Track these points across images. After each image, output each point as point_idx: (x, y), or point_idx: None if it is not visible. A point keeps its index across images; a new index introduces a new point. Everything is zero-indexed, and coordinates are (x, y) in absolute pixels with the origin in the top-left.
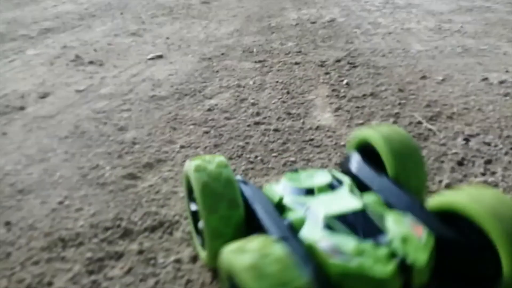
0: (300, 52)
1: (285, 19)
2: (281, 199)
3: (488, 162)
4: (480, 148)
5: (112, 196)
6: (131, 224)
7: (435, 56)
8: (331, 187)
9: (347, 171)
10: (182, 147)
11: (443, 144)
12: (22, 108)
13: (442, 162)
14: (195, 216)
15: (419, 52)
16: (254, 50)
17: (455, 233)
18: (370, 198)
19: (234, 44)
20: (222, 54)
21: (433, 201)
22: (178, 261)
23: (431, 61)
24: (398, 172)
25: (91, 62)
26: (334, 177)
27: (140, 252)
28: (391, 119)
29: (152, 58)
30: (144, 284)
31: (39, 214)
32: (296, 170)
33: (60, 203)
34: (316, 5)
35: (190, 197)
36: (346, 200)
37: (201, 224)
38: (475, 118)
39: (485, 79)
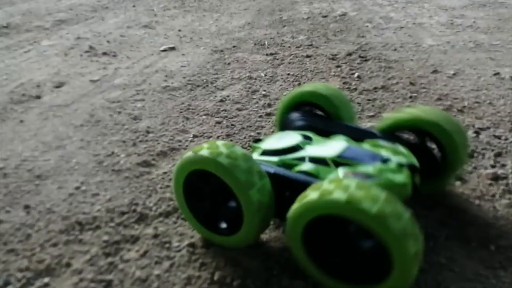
0: (311, 45)
1: (296, 13)
2: (279, 161)
3: (498, 154)
4: (490, 141)
5: (127, 182)
6: (146, 209)
7: (446, 50)
8: (308, 139)
9: (296, 128)
10: (195, 136)
11: None
12: (38, 97)
13: None
14: (198, 209)
15: (430, 46)
16: (266, 43)
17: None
18: (340, 138)
19: (246, 37)
20: (234, 46)
21: (380, 125)
22: (192, 245)
23: (443, 55)
24: (335, 113)
25: (104, 53)
26: (300, 134)
27: (155, 236)
28: None
29: (164, 50)
30: (159, 267)
31: (57, 199)
32: (260, 140)
33: (77, 188)
34: None
35: (191, 193)
36: (331, 144)
37: (233, 204)
38: (485, 112)
39: (497, 74)
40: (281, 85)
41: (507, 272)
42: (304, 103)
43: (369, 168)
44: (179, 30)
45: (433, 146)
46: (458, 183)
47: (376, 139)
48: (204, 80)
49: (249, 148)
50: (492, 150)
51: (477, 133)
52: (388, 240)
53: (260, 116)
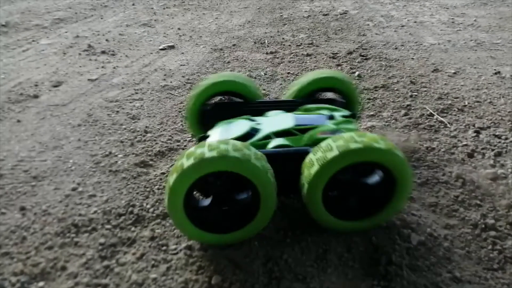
0: (311, 44)
1: (297, 11)
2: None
3: (498, 154)
4: (490, 141)
5: (124, 183)
6: (143, 211)
7: (447, 49)
8: (253, 121)
9: (232, 116)
10: (193, 136)
11: (454, 136)
12: (35, 96)
13: (453, 153)
14: (203, 214)
15: (431, 45)
16: (266, 41)
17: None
18: (278, 112)
19: (246, 35)
20: (234, 45)
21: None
22: (189, 247)
23: (444, 54)
24: (251, 95)
25: (103, 52)
26: (243, 118)
27: (152, 238)
28: (403, 111)
29: (163, 49)
30: (156, 270)
31: (53, 200)
32: (206, 136)
33: (74, 189)
34: None
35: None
36: (278, 118)
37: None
38: (486, 111)
39: (497, 72)
40: (281, 84)
41: (506, 274)
42: (218, 94)
43: (327, 126)
44: (179, 29)
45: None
46: (457, 183)
47: (302, 105)
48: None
49: None
50: (492, 150)
51: (477, 132)
52: (396, 164)
53: None
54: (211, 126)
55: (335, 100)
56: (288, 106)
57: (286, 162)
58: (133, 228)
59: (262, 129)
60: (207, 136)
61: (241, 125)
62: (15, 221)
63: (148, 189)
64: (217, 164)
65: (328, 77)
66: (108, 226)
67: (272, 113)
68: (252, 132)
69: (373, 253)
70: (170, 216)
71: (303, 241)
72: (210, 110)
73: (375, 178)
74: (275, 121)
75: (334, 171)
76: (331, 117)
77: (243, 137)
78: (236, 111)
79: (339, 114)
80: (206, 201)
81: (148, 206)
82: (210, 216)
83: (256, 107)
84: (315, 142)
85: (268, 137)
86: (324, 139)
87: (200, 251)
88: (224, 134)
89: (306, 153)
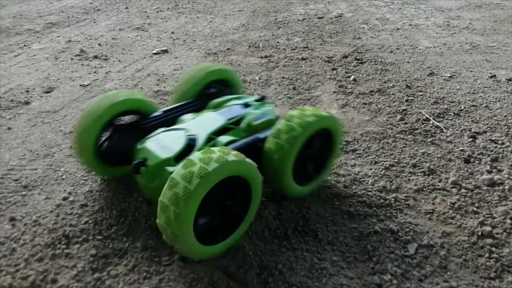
0: (306, 47)
1: (291, 14)
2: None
3: (495, 159)
4: (486, 146)
5: (117, 192)
6: (135, 221)
7: (443, 52)
8: (182, 129)
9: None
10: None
11: (450, 142)
12: (26, 103)
13: (449, 159)
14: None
15: (427, 48)
16: (260, 45)
17: None
18: (193, 115)
19: (240, 39)
20: (228, 49)
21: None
22: (183, 259)
23: (439, 57)
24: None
25: (96, 57)
26: (170, 128)
27: (145, 249)
28: (398, 116)
29: (157, 53)
30: (148, 282)
31: (44, 210)
32: (142, 161)
33: (65, 199)
34: (323, 0)
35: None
36: (205, 119)
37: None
38: (482, 116)
39: (493, 76)
40: (275, 88)
41: (503, 282)
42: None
43: (254, 113)
44: (172, 32)
45: None
46: (454, 190)
47: (207, 103)
48: None
49: None
50: (489, 155)
51: (474, 137)
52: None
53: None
54: (116, 154)
55: (223, 90)
56: (192, 108)
57: (249, 153)
58: (125, 239)
59: (198, 134)
60: (144, 161)
61: (173, 137)
62: (5, 232)
63: (140, 199)
64: (222, 173)
65: (217, 69)
66: (100, 237)
67: (188, 117)
68: (191, 141)
69: (368, 262)
70: (180, 243)
71: (298, 249)
72: (110, 137)
73: (319, 143)
74: (203, 123)
75: (300, 144)
76: (246, 105)
77: (187, 148)
78: (139, 129)
79: (250, 100)
80: (203, 218)
81: (140, 216)
82: (211, 229)
83: (163, 117)
84: (253, 130)
85: (210, 139)
86: (260, 125)
87: (193, 262)
88: (164, 152)
89: (259, 140)
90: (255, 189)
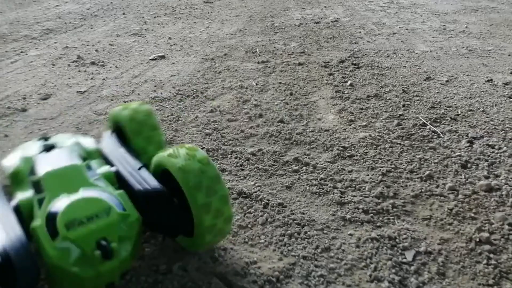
0: (303, 52)
1: (288, 19)
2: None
3: (492, 164)
4: (484, 151)
5: None
6: None
7: (439, 57)
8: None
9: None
10: None
11: (447, 147)
12: (23, 110)
13: (446, 165)
14: None
15: (423, 52)
16: (257, 50)
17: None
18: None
19: (237, 44)
20: (225, 54)
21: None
22: (182, 268)
23: (436, 62)
24: (138, 143)
25: (92, 63)
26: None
27: (141, 258)
28: (395, 121)
29: (154, 59)
30: None
31: None
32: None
33: None
34: (320, 5)
35: None
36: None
37: None
38: (479, 120)
39: (490, 80)
40: (272, 94)
41: None
42: None
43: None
44: (169, 38)
45: None
46: (451, 195)
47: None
48: (194, 90)
49: (240, 158)
50: (486, 160)
51: (471, 142)
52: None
53: (251, 127)
54: None
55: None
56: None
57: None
58: None
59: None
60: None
61: (61, 156)
62: None
63: None
64: None
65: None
66: None
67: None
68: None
69: (366, 269)
70: None
71: (295, 256)
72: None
73: None
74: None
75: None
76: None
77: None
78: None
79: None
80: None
81: None
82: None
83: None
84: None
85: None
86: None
87: (192, 271)
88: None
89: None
90: None
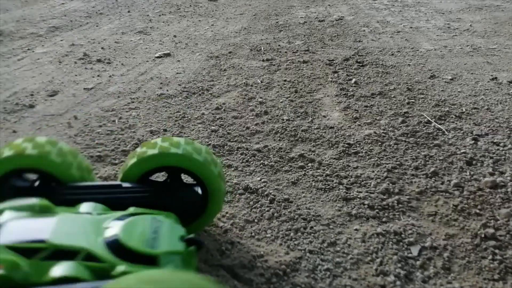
0: (308, 50)
1: (293, 17)
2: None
3: (497, 162)
4: (488, 148)
5: None
6: None
7: (444, 55)
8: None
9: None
10: None
11: (452, 144)
12: (31, 106)
13: (451, 162)
14: None
15: (428, 51)
16: (262, 48)
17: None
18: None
19: (242, 42)
20: (230, 52)
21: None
22: None
23: (440, 60)
24: (65, 175)
25: (99, 60)
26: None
27: None
28: (400, 119)
29: (159, 57)
30: None
31: None
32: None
33: None
34: (324, 3)
35: None
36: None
37: None
38: (484, 118)
39: (494, 78)
40: (277, 91)
41: (507, 284)
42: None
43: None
44: (175, 36)
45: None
46: (456, 192)
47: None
48: (200, 87)
49: (245, 155)
50: (491, 158)
51: (476, 139)
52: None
53: (256, 124)
54: None
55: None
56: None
57: None
58: None
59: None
60: None
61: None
62: None
63: None
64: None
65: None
66: None
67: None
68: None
69: (372, 263)
70: None
71: (301, 250)
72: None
73: None
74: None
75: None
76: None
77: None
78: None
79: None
80: None
81: None
82: None
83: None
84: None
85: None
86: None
87: (200, 263)
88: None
89: None
90: None
